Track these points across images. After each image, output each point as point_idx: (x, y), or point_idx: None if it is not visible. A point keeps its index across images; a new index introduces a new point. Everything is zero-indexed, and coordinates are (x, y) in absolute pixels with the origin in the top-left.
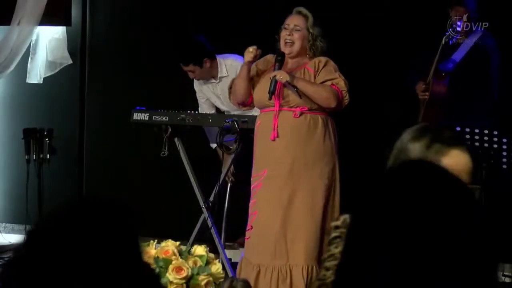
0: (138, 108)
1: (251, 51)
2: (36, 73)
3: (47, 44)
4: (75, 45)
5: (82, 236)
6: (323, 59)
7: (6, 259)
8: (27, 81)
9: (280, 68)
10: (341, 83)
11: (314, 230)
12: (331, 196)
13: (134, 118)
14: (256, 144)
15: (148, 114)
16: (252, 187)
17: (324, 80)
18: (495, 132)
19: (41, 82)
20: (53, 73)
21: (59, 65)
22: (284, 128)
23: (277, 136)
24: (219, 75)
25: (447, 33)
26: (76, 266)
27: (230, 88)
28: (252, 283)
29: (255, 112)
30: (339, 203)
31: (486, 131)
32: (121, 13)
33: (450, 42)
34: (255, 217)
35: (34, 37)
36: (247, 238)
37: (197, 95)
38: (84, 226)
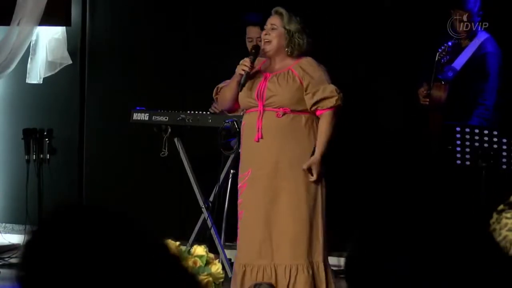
0: (138, 108)
1: (245, 65)
2: (36, 73)
3: (47, 44)
4: (75, 45)
5: (85, 240)
6: (305, 61)
7: (5, 258)
8: (27, 81)
9: (254, 60)
10: (330, 89)
11: (299, 229)
12: (316, 194)
13: (134, 118)
14: (241, 145)
15: (148, 114)
16: (238, 186)
17: (315, 91)
18: (495, 132)
19: (41, 82)
20: (53, 73)
21: (59, 65)
22: (268, 129)
23: (261, 137)
24: None
25: (440, 50)
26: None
27: (215, 95)
28: (238, 283)
29: None
30: (325, 202)
31: (486, 131)
32: (121, 13)
33: (443, 60)
34: (242, 216)
35: (34, 37)
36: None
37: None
38: (86, 231)
